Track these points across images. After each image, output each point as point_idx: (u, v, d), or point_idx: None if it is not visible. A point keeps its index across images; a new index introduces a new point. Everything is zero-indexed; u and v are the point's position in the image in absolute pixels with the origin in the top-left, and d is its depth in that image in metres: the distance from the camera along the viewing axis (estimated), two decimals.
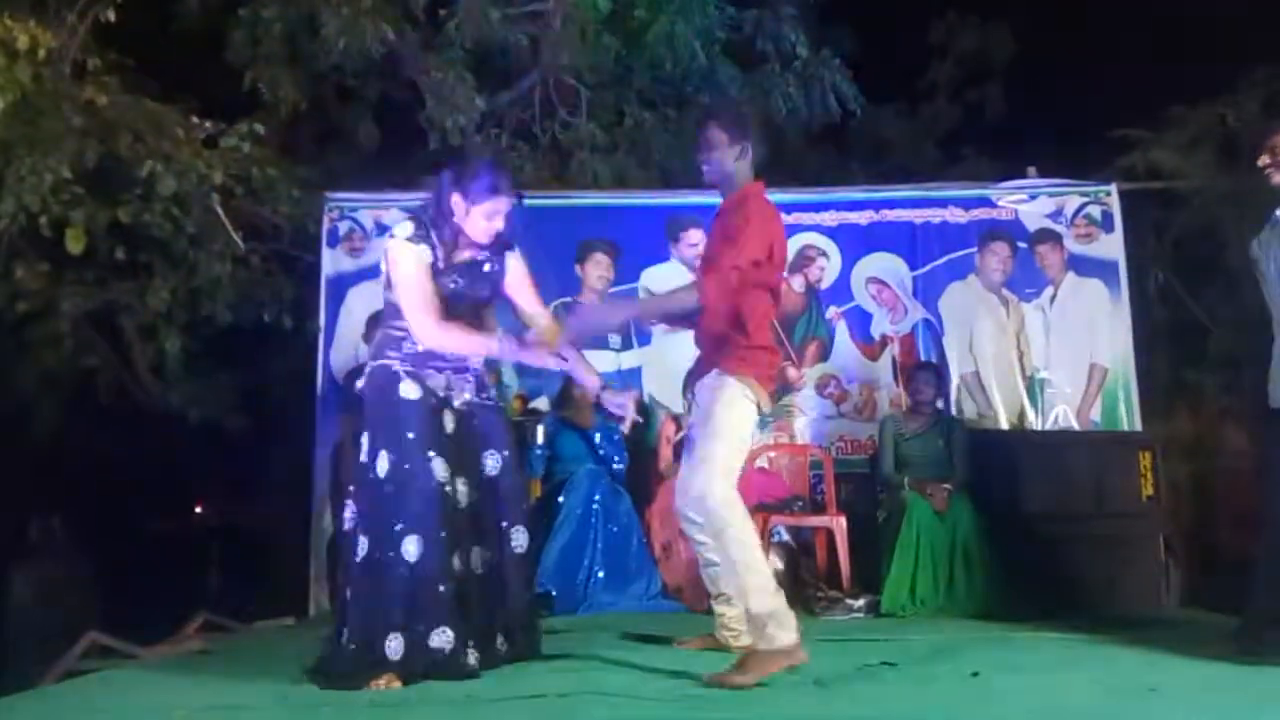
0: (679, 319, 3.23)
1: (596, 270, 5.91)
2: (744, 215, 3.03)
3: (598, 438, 5.18)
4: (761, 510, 5.03)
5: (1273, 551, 3.16)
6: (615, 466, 5.18)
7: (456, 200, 3.04)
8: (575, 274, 5.92)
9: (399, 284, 3.01)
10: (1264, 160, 3.18)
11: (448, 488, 2.93)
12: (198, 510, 11.83)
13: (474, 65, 6.59)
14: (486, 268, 3.15)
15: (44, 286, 5.48)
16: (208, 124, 5.45)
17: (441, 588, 2.85)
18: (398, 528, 2.87)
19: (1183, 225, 6.28)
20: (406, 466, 2.90)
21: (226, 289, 5.83)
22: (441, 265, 3.04)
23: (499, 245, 3.16)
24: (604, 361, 5.74)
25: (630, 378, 5.81)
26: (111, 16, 5.14)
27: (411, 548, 2.85)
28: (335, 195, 5.91)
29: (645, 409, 5.76)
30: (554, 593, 4.62)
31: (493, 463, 3.11)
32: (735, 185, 3.16)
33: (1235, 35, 6.00)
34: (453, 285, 3.05)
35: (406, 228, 3.02)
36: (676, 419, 5.35)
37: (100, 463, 6.84)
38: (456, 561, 2.93)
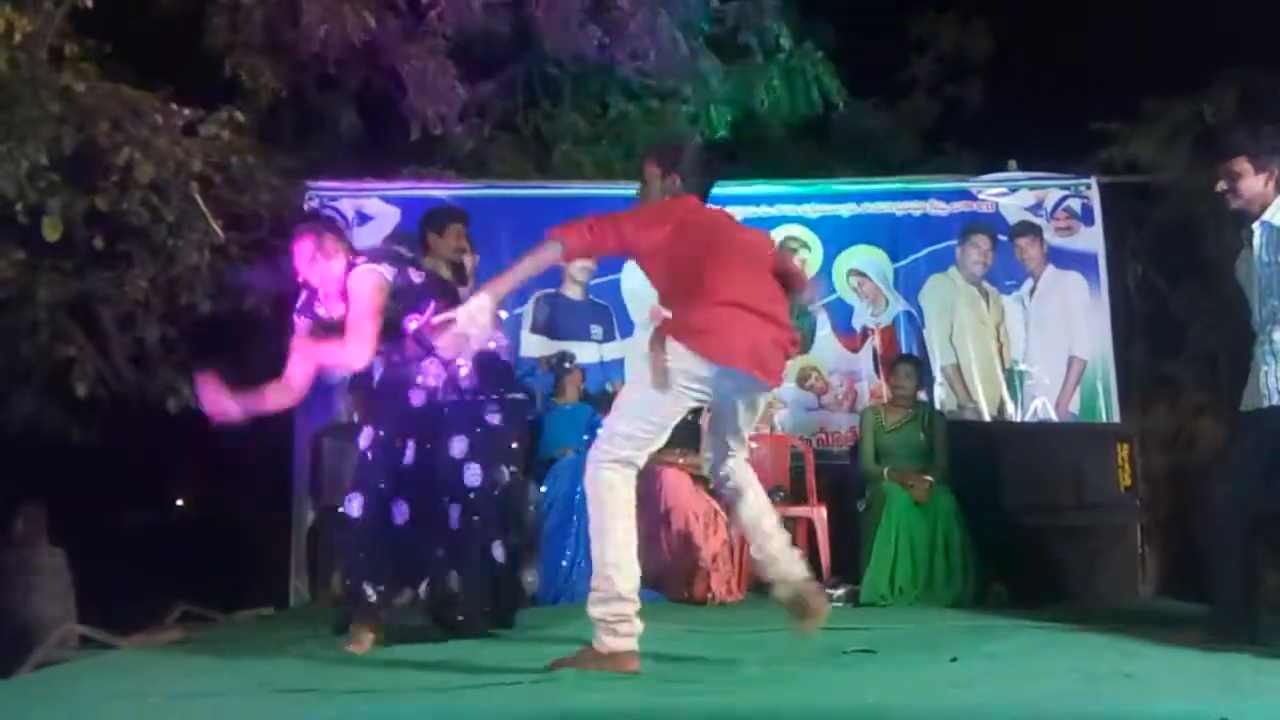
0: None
1: (579, 261, 5.89)
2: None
3: (583, 422, 5.18)
4: None
5: (1225, 544, 3.23)
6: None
7: None
8: (558, 265, 5.90)
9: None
10: (1221, 186, 3.25)
11: (370, 453, 3.33)
12: (178, 503, 11.75)
13: (456, 54, 6.56)
14: None
15: (20, 275, 5.41)
16: (186, 111, 5.40)
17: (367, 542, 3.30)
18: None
19: (1161, 218, 6.32)
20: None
21: (205, 278, 5.78)
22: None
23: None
24: (587, 353, 5.74)
25: (612, 369, 5.82)
26: (89, 2, 5.08)
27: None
28: (316, 184, 5.88)
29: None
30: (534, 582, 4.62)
31: (459, 448, 3.40)
32: None
33: (1213, 29, 6.04)
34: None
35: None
36: None
37: (77, 453, 6.77)
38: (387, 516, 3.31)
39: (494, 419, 3.47)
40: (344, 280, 3.30)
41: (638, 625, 2.77)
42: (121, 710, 2.46)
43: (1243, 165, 3.21)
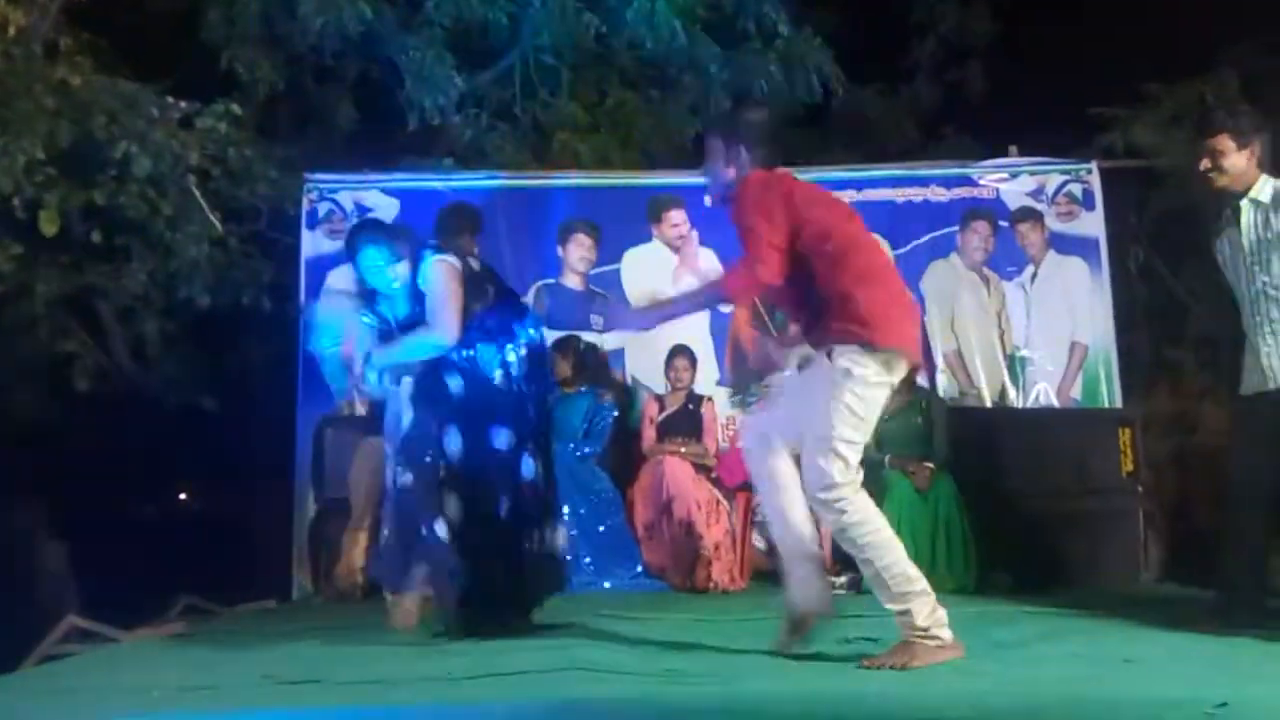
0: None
1: (578, 251, 5.89)
2: (740, 203, 2.93)
3: (584, 410, 5.18)
4: (745, 490, 5.04)
5: (1235, 530, 3.25)
6: (598, 437, 5.18)
7: None
8: (557, 255, 5.90)
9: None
10: (1205, 164, 3.23)
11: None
12: (180, 497, 11.76)
13: (453, 44, 6.54)
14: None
15: (17, 270, 5.40)
16: (183, 104, 5.38)
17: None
18: None
19: (1163, 203, 6.30)
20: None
21: (204, 271, 5.77)
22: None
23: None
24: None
25: (613, 359, 5.80)
26: None
27: None
28: (314, 176, 5.85)
29: (628, 390, 5.76)
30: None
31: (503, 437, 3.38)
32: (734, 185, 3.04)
33: (1215, 13, 6.01)
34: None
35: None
36: (659, 399, 5.35)
37: (79, 448, 6.78)
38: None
39: (539, 409, 3.50)
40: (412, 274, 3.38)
41: (942, 613, 2.73)
42: (124, 703, 2.45)
43: (1225, 143, 3.20)
